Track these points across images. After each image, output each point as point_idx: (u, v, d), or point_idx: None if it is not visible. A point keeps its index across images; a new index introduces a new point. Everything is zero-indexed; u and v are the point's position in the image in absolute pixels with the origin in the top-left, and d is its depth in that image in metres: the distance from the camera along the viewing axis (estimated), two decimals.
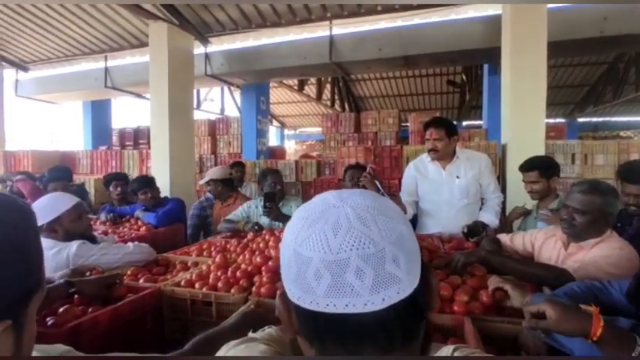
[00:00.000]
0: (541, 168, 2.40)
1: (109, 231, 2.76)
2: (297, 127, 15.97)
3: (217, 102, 10.20)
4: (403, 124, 7.82)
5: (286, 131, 16.15)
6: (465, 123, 12.11)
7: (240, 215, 2.93)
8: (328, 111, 10.02)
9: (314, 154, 10.27)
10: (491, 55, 4.36)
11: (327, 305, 0.43)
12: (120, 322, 1.39)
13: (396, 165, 4.40)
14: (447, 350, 0.74)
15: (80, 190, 3.97)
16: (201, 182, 3.52)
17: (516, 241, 1.99)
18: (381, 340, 0.44)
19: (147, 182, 3.19)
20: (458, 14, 4.75)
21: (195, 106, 9.00)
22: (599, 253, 1.52)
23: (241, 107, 7.99)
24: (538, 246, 1.87)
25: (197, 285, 1.60)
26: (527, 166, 2.47)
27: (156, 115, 4.70)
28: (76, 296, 1.44)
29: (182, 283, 1.64)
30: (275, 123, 14.93)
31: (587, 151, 3.88)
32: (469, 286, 1.43)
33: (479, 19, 4.62)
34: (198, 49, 5.59)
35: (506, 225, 2.75)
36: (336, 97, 10.30)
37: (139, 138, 7.39)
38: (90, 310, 1.38)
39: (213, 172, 3.39)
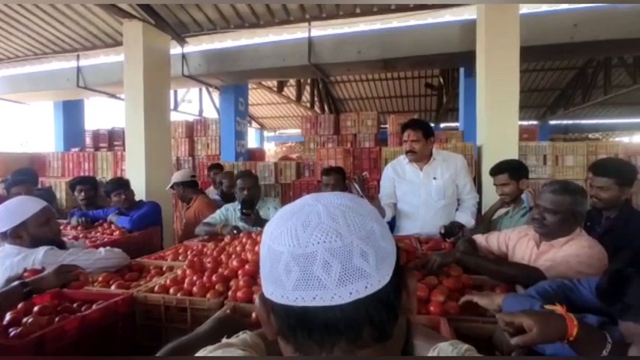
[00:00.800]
0: (509, 171, 2.46)
1: (80, 236, 2.66)
2: (276, 129, 15.89)
3: (196, 103, 10.05)
4: (382, 126, 7.89)
5: (266, 133, 16.05)
6: (442, 125, 12.34)
7: (219, 218, 2.89)
8: (308, 113, 10.01)
9: (294, 155, 10.25)
10: (467, 59, 4.45)
11: (297, 299, 0.44)
12: (89, 331, 1.34)
13: (374, 166, 4.43)
14: (445, 347, 0.76)
15: (47, 194, 3.82)
16: (167, 188, 3.49)
17: (491, 241, 2.03)
18: (349, 335, 0.44)
19: (121, 184, 3.11)
20: (435, 18, 4.83)
21: (172, 107, 8.88)
22: (569, 252, 1.56)
23: (220, 109, 7.88)
24: (512, 245, 1.91)
25: (171, 290, 1.56)
26: (496, 170, 2.53)
27: (131, 116, 4.58)
28: (34, 296, 1.38)
29: (156, 288, 1.59)
30: (254, 125, 14.82)
31: (557, 153, 4.01)
32: (445, 286, 1.44)
33: (455, 24, 4.70)
34: (175, 49, 5.49)
35: (484, 220, 2.81)
36: (316, 98, 10.30)
37: (113, 139, 7.20)
38: (57, 319, 1.32)
39: (175, 176, 3.40)
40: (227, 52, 5.63)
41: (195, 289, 1.53)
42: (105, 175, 5.61)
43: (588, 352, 0.84)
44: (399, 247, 0.53)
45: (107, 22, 5.12)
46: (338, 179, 2.89)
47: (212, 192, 4.80)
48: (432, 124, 12.83)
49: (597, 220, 2.36)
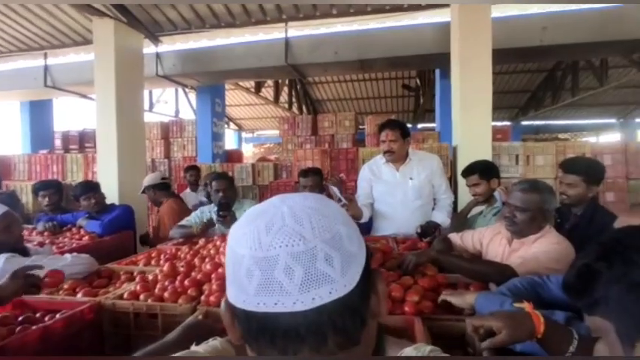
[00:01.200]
0: (480, 171, 2.51)
1: (47, 242, 2.55)
2: (254, 130, 15.75)
3: (172, 104, 9.86)
4: (360, 127, 7.94)
5: (244, 134, 15.89)
6: (420, 126, 12.53)
7: (194, 221, 2.82)
8: (286, 114, 9.97)
9: (272, 157, 10.19)
10: (443, 61, 4.52)
11: (258, 304, 0.42)
12: (52, 342, 1.27)
13: (352, 167, 4.45)
14: (409, 352, 0.75)
15: (9, 198, 3.65)
16: (139, 192, 3.42)
17: (466, 239, 2.06)
18: (312, 342, 0.43)
19: (90, 187, 3.00)
20: (411, 20, 4.89)
21: (147, 108, 8.70)
22: (539, 249, 1.60)
23: (196, 110, 7.75)
24: (485, 243, 1.94)
25: (142, 296, 1.50)
26: (467, 171, 2.58)
27: (102, 116, 4.44)
28: None
29: (125, 295, 1.53)
30: (232, 126, 14.65)
31: (528, 153, 4.12)
32: (420, 286, 1.45)
33: (430, 26, 4.78)
34: (149, 49, 5.36)
35: (460, 217, 2.85)
36: (294, 99, 10.27)
37: (84, 141, 6.97)
38: (18, 329, 1.26)
39: (146, 180, 3.33)
40: (202, 52, 5.54)
41: (166, 294, 1.48)
42: (75, 178, 5.42)
43: (555, 349, 0.86)
44: (370, 249, 0.52)
45: (76, 20, 4.95)
46: (316, 181, 2.87)
47: (188, 194, 4.71)
48: (410, 125, 13.00)
49: (567, 217, 2.44)
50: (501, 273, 1.48)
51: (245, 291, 0.43)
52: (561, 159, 3.99)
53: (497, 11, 4.36)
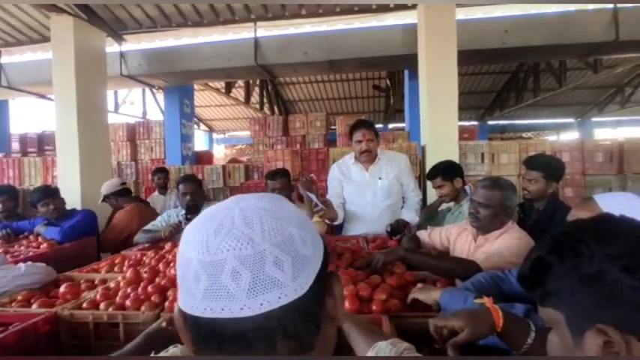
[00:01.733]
0: (442, 173, 2.57)
1: (0, 250, 2.40)
2: (226, 131, 15.52)
3: (139, 105, 9.56)
4: (331, 127, 7.96)
5: (215, 135, 15.62)
6: (390, 126, 12.72)
7: (160, 224, 2.74)
8: (257, 114, 9.88)
9: (244, 158, 10.06)
10: (411, 61, 4.61)
11: (205, 309, 0.41)
12: (4, 355, 1.20)
13: (322, 167, 4.45)
14: (384, 347, 0.75)
15: None
16: (99, 202, 3.31)
17: (434, 237, 2.10)
18: (261, 347, 0.42)
19: (48, 193, 2.85)
20: (379, 21, 4.95)
21: (112, 109, 8.39)
22: (502, 244, 1.66)
23: (164, 110, 7.54)
24: (452, 240, 1.98)
25: (102, 305, 1.44)
26: (430, 174, 2.64)
27: (62, 118, 4.24)
28: None
29: (84, 304, 1.46)
30: (203, 127, 14.37)
31: (493, 151, 4.27)
32: (388, 284, 1.46)
33: (399, 27, 4.85)
34: (112, 47, 5.17)
35: (430, 211, 2.91)
36: (265, 100, 10.19)
37: (44, 144, 6.65)
38: None
39: (104, 188, 3.23)
40: (169, 52, 5.39)
41: (128, 302, 1.43)
42: (33, 182, 5.15)
43: (514, 341, 0.88)
44: (328, 250, 0.51)
45: (33, 17, 4.71)
46: (284, 183, 2.81)
47: (156, 197, 4.58)
48: (380, 125, 13.16)
49: (530, 212, 2.55)
50: (466, 269, 1.52)
51: (193, 296, 0.42)
52: (524, 157, 4.16)
53: (462, 14, 4.49)
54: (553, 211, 2.33)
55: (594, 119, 13.28)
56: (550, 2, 4.50)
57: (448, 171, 2.58)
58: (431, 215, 2.91)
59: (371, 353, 0.79)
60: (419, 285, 1.40)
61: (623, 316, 0.49)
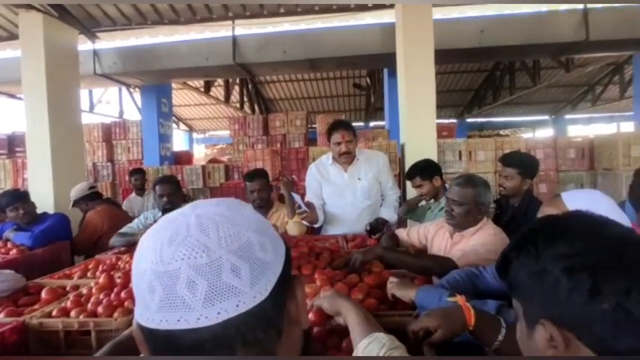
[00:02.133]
0: (420, 172, 2.59)
1: None
2: (206, 131, 15.30)
3: (115, 104, 9.32)
4: (312, 126, 7.95)
5: (195, 135, 15.39)
6: (371, 124, 12.81)
7: (136, 227, 2.68)
8: (238, 113, 9.77)
9: (225, 158, 9.94)
10: (390, 60, 4.64)
11: (161, 321, 0.40)
12: None
13: (302, 167, 4.44)
14: (381, 338, 0.79)
15: None
16: (69, 207, 3.24)
17: (412, 235, 2.12)
18: (219, 357, 0.41)
19: (17, 197, 2.75)
20: (358, 20, 4.97)
21: (87, 109, 8.16)
22: (478, 241, 1.69)
23: (141, 110, 7.37)
24: (430, 238, 2.01)
25: (73, 313, 1.39)
26: (409, 175, 2.66)
27: (33, 118, 4.09)
28: None
29: (54, 312, 1.41)
30: (182, 126, 14.13)
31: (470, 149, 4.35)
32: (365, 283, 1.46)
33: (377, 26, 4.88)
34: (85, 45, 5.03)
35: (410, 206, 2.93)
36: (245, 99, 10.08)
37: (14, 145, 6.41)
38: None
39: (72, 194, 3.16)
40: (145, 50, 5.28)
41: (100, 308, 1.39)
42: (3, 185, 4.97)
43: (486, 338, 0.90)
44: (290, 254, 0.50)
45: (0, 13, 4.52)
46: (263, 184, 2.76)
47: (134, 199, 4.48)
48: (362, 124, 13.17)
49: (505, 209, 2.61)
50: (443, 266, 1.54)
51: (148, 308, 0.41)
52: (500, 154, 4.26)
53: (439, 13, 4.55)
54: (527, 207, 2.39)
55: (568, 116, 13.70)
56: (524, 2, 4.61)
57: (427, 170, 2.60)
58: (411, 209, 2.94)
59: (367, 341, 0.81)
60: (393, 279, 1.40)
61: (562, 314, 0.50)
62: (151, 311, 0.40)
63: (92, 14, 4.58)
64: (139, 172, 4.56)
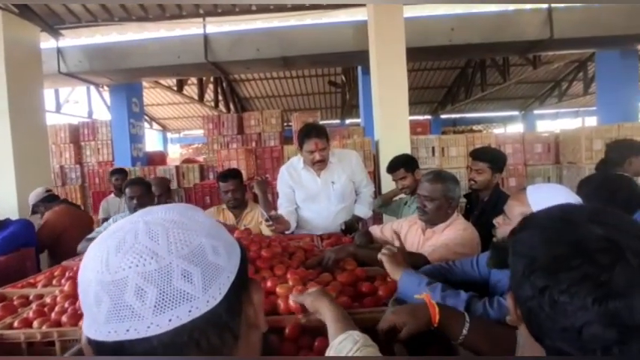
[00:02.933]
0: (404, 165, 2.63)
1: None
2: (180, 130, 15.00)
3: (84, 104, 9.00)
4: (287, 124, 7.90)
5: (170, 135, 15.05)
6: (347, 121, 12.87)
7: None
8: (213, 112, 9.62)
9: (201, 158, 9.78)
10: (363, 58, 4.67)
11: (109, 332, 0.39)
12: None
13: (277, 166, 4.40)
14: (355, 336, 0.81)
15: None
16: (29, 215, 3.15)
17: (386, 231, 2.14)
18: None
19: None
20: (331, 18, 4.98)
21: (54, 109, 7.84)
22: (448, 236, 1.73)
23: (111, 110, 7.14)
24: (404, 234, 2.03)
25: (35, 323, 1.34)
26: (392, 166, 2.68)
27: None
28: None
29: (15, 323, 1.35)
30: (156, 126, 13.79)
31: (443, 145, 4.44)
32: (338, 282, 1.47)
33: (349, 24, 4.91)
34: (48, 43, 4.83)
35: (386, 200, 2.96)
36: (220, 97, 9.93)
37: None
38: None
39: (30, 199, 3.16)
40: (112, 48, 5.12)
41: (65, 317, 1.33)
42: None
43: (451, 333, 0.93)
44: (246, 257, 0.49)
45: None
46: (236, 184, 2.66)
47: (112, 200, 4.34)
48: (338, 121, 13.17)
49: (476, 203, 2.68)
50: (415, 262, 1.56)
51: (96, 320, 0.40)
52: (471, 149, 4.39)
53: (410, 12, 4.61)
54: (497, 201, 2.46)
55: (536, 112, 14.17)
56: (491, 2, 4.74)
57: (409, 162, 2.65)
58: (385, 203, 2.97)
59: (342, 337, 0.83)
60: (388, 248, 1.43)
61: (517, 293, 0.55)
62: (99, 323, 0.39)
63: (55, 11, 4.41)
64: (120, 172, 4.40)
